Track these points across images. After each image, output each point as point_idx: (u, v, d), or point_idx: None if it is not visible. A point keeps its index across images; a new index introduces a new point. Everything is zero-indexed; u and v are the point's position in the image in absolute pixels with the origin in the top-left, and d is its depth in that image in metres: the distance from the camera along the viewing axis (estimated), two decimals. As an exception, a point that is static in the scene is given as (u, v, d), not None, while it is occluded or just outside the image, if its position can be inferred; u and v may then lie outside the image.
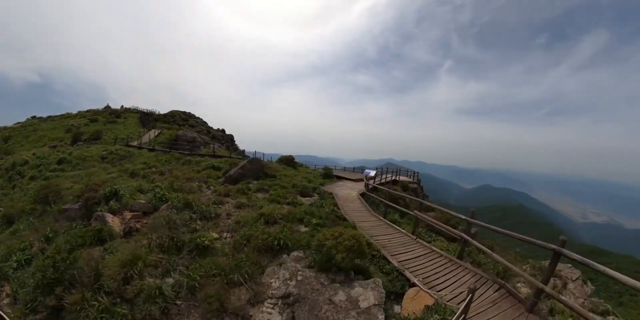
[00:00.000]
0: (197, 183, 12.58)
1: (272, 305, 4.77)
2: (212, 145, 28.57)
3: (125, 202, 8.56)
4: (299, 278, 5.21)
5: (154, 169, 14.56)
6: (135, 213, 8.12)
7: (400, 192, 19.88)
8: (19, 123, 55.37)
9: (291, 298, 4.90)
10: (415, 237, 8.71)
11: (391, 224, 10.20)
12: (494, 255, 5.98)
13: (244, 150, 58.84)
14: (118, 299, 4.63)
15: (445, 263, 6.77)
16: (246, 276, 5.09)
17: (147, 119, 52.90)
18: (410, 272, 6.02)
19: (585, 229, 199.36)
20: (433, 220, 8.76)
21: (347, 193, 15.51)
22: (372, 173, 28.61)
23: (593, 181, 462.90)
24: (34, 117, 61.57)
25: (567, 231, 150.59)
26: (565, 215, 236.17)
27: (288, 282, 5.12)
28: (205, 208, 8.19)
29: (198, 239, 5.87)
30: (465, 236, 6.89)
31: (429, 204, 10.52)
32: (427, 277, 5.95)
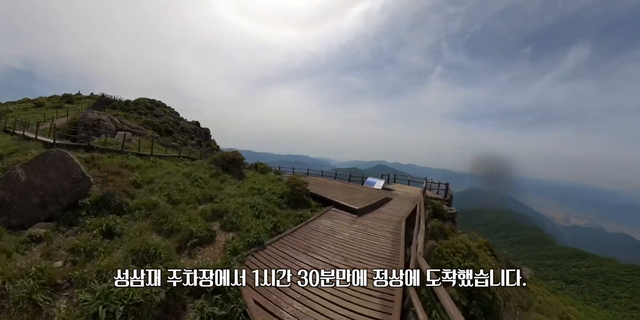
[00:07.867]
0: None
1: None
2: (123, 135, 21.16)
3: None
4: None
5: None
6: None
7: (431, 220, 11.33)
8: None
9: None
10: None
11: None
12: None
13: (219, 146, 52.94)
14: None
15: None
16: None
17: (102, 105, 48.26)
18: None
19: (568, 232, 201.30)
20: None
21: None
22: (380, 183, 21.03)
23: (576, 187, 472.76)
24: (-7, 102, 55.97)
25: (550, 233, 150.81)
26: (549, 218, 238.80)
27: None
28: None
29: None
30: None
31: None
32: None
